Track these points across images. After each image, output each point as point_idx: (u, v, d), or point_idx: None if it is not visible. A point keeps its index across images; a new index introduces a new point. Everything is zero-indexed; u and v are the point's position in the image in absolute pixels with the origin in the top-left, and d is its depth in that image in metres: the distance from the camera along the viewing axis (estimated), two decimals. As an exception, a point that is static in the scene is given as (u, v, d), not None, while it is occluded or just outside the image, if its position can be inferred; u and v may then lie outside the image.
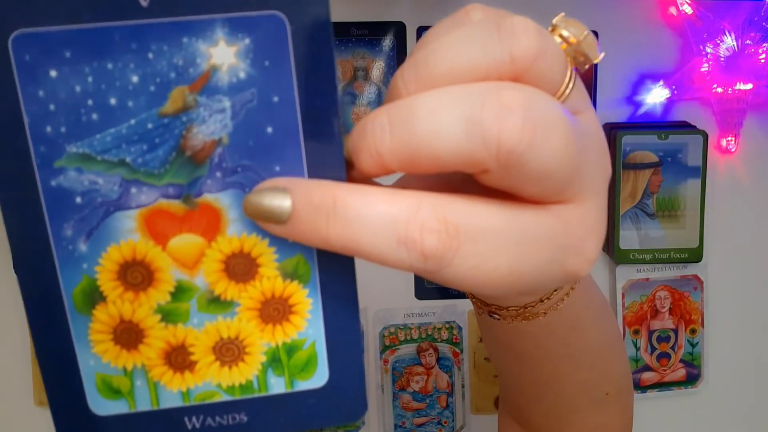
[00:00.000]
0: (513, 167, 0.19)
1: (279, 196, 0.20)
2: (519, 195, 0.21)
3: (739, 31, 0.65)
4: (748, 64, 0.65)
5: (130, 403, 0.21)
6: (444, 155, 0.19)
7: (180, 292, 0.21)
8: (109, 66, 0.19)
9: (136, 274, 0.20)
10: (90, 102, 0.19)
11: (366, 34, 0.67)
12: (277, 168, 0.20)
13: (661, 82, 0.68)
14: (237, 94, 0.19)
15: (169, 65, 0.19)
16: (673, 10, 0.67)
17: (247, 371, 0.22)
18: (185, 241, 0.20)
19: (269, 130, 0.20)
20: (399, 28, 0.67)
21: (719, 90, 0.67)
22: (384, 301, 0.70)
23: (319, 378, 0.22)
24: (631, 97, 0.70)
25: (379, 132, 0.19)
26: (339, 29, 0.67)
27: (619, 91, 0.70)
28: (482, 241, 0.20)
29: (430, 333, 0.71)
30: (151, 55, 0.19)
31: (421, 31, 0.67)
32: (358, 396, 0.23)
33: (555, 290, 0.30)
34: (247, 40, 0.19)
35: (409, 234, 0.19)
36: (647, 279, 0.70)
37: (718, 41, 0.65)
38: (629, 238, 0.68)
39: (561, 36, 0.22)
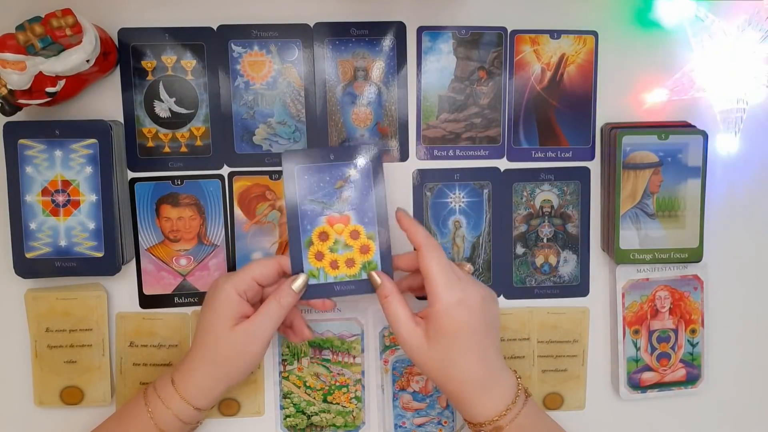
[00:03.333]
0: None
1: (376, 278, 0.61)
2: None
3: (739, 31, 0.65)
4: (748, 64, 0.65)
5: (317, 278, 0.61)
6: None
7: (336, 242, 0.61)
8: (321, 174, 0.61)
9: (323, 235, 0.61)
10: (315, 186, 0.61)
11: (366, 34, 0.67)
12: (370, 214, 0.62)
13: (661, 82, 0.68)
14: (357, 181, 0.61)
15: (337, 173, 0.61)
16: (673, 10, 0.67)
17: (356, 270, 0.61)
18: (340, 226, 0.61)
19: (366, 194, 0.61)
20: (399, 28, 0.67)
21: (719, 90, 0.67)
22: (384, 301, 0.70)
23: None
24: (631, 97, 0.70)
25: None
26: (339, 29, 0.67)
27: (619, 91, 0.70)
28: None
29: (430, 333, 0.72)
30: (333, 170, 0.61)
31: (421, 31, 0.67)
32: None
33: (508, 409, 0.56)
34: (357, 168, 0.61)
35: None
36: (647, 279, 0.70)
37: (718, 41, 0.65)
38: (629, 238, 0.68)
39: None
